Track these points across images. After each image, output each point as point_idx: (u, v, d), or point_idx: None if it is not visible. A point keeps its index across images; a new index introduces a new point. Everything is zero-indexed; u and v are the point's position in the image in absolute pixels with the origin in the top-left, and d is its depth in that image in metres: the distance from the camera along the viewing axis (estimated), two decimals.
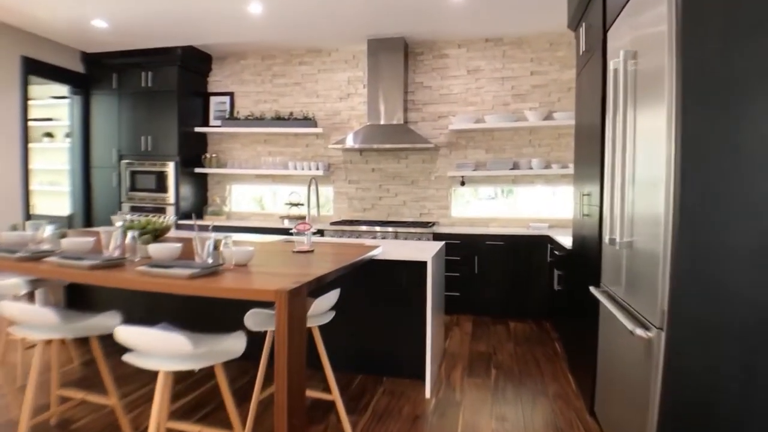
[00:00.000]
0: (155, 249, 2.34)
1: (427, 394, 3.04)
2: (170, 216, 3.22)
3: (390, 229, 4.99)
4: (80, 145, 5.91)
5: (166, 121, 5.67)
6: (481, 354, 3.82)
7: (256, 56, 5.97)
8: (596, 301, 2.47)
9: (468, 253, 4.88)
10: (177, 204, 5.67)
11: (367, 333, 3.31)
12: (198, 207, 6.00)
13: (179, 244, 2.40)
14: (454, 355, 3.79)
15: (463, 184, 5.41)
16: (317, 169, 5.60)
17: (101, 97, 5.90)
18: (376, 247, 3.14)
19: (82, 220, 5.93)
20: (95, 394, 2.49)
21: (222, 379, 2.04)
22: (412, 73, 5.54)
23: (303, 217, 5.56)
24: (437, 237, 4.88)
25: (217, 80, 6.13)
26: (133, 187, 5.80)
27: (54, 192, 6.25)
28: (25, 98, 5.18)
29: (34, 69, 5.26)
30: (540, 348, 3.99)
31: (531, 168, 5.11)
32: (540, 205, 5.36)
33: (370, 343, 3.31)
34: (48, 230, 2.51)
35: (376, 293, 3.26)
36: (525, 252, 4.78)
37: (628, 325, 1.83)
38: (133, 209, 5.78)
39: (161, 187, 5.68)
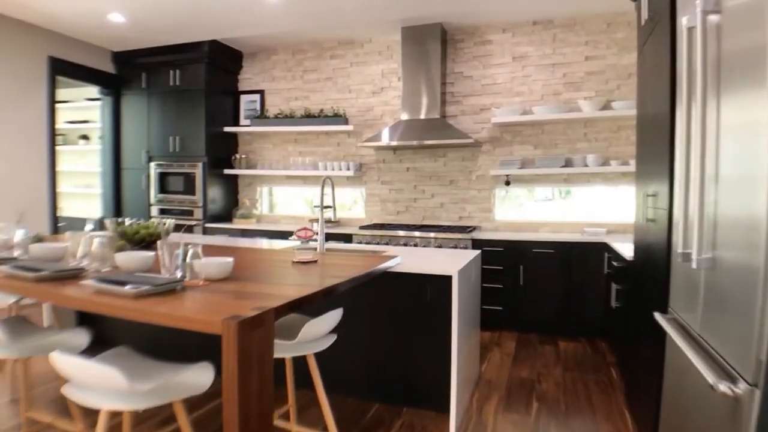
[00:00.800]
0: (122, 258, 2.01)
1: (452, 431, 2.56)
2: (170, 220, 2.91)
3: (424, 234, 4.52)
4: (111, 146, 5.83)
5: (194, 121, 5.47)
6: (522, 381, 3.28)
7: (286, 51, 5.68)
8: (662, 331, 1.91)
9: (512, 262, 4.33)
10: (205, 206, 5.46)
11: (386, 355, 2.86)
12: (228, 210, 5.78)
13: (151, 253, 2.06)
14: (491, 382, 3.28)
15: (507, 183, 4.86)
16: (347, 169, 5.22)
17: (131, 97, 5.81)
18: (392, 257, 2.69)
19: None
20: (64, 418, 2.21)
21: (183, 421, 1.66)
22: (451, 62, 5.05)
23: (334, 221, 5.19)
24: (477, 244, 4.37)
25: (247, 78, 5.89)
26: (162, 189, 5.65)
27: (88, 194, 6.23)
28: (52, 99, 5.13)
29: (62, 69, 5.20)
30: (593, 375, 3.40)
31: (586, 165, 4.49)
32: (597, 208, 4.72)
33: (388, 368, 2.87)
34: (19, 234, 2.25)
35: (395, 310, 2.81)
36: (578, 261, 4.17)
37: (708, 376, 1.30)
38: (162, 212, 5.63)
39: (189, 189, 5.50)
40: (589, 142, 4.63)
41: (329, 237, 4.87)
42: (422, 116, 4.88)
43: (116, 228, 2.64)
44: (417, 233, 4.54)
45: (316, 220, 5.17)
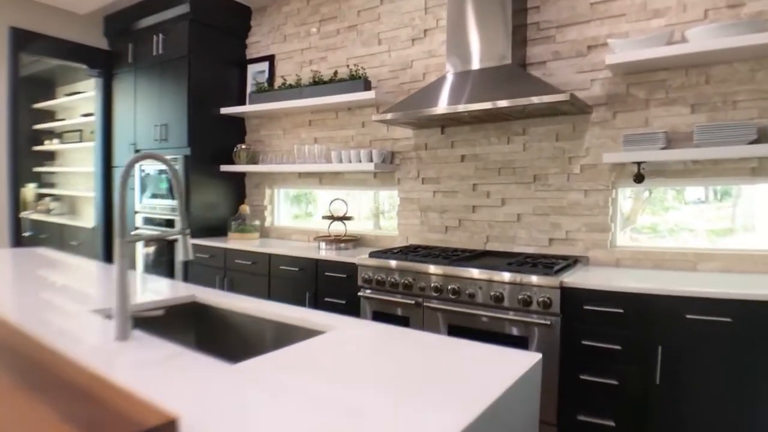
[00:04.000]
0: None
1: None
2: None
3: (473, 274, 2.48)
4: (101, 139, 4.68)
5: (176, 102, 4.05)
6: None
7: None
8: None
9: (642, 337, 2.11)
10: (186, 215, 3.99)
11: None
12: (227, 219, 4.26)
13: None
14: None
15: (639, 179, 2.60)
16: (369, 160, 3.35)
17: (120, 76, 4.60)
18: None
19: (103, 234, 4.69)
20: None
21: None
22: None
23: (348, 239, 3.39)
24: (571, 298, 2.24)
25: (256, 41, 4.33)
26: (144, 192, 4.33)
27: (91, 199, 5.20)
28: (14, 83, 4.05)
29: (29, 44, 4.11)
30: None
31: None
32: None
33: None
34: None
35: None
36: None
37: None
38: (147, 221, 4.31)
39: (173, 191, 4.09)
40: None
41: (325, 268, 3.09)
42: (483, 64, 2.84)
43: None
44: (460, 271, 2.52)
45: (324, 239, 3.40)
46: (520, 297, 2.33)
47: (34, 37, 4.19)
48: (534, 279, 2.31)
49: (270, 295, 3.38)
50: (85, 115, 5.28)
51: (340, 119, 3.77)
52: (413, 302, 2.65)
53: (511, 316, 2.35)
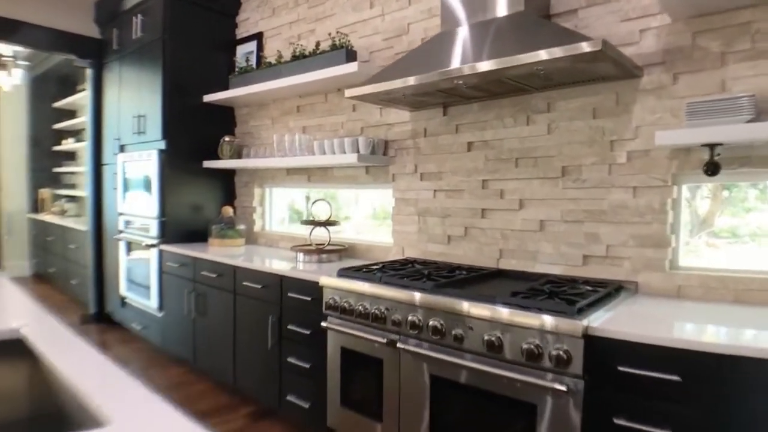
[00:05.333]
0: None
1: None
2: None
3: (472, 309, 1.75)
4: (92, 134, 4.32)
5: (152, 89, 3.57)
6: None
7: None
8: None
9: (710, 417, 1.31)
10: (160, 218, 3.50)
11: None
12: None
13: None
14: None
15: (712, 170, 1.74)
16: (354, 149, 2.68)
17: (108, 65, 4.21)
18: None
19: (93, 236, 4.32)
20: None
21: None
22: None
23: (332, 249, 2.76)
24: (601, 349, 1.46)
25: (245, 19, 3.77)
26: (126, 192, 3.89)
27: None
28: None
29: (10, 33, 3.78)
30: None
31: None
32: None
33: None
34: None
35: None
36: None
37: None
38: (128, 224, 3.87)
39: (151, 191, 3.61)
40: None
41: (290, 286, 2.48)
42: (485, 15, 2.09)
43: None
44: (442, 301, 1.79)
45: (301, 248, 2.80)
46: (524, 346, 1.58)
47: (17, 25, 3.85)
48: (546, 321, 1.55)
49: (235, 317, 2.80)
50: None
51: (330, 103, 3.12)
52: (384, 341, 1.95)
53: (511, 373, 1.60)
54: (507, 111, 2.32)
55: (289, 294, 2.43)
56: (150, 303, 3.57)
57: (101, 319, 4.30)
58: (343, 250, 2.87)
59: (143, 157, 3.61)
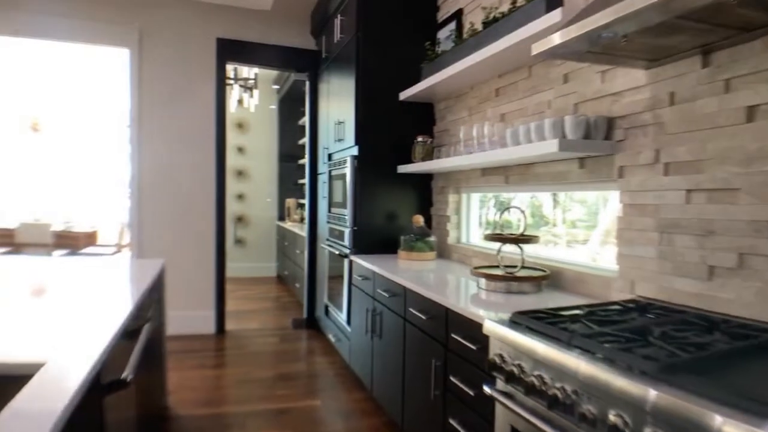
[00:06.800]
0: None
1: None
2: None
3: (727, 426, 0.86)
4: (309, 147, 4.43)
5: (348, 91, 3.36)
6: None
7: None
8: None
9: None
10: (353, 227, 3.24)
11: None
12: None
13: None
14: None
15: None
16: (560, 135, 1.87)
17: (321, 75, 4.24)
18: None
19: (309, 245, 4.41)
20: None
21: None
22: None
23: (527, 276, 2.05)
24: None
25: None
26: (330, 200, 3.81)
27: None
28: (221, 93, 4.12)
29: (233, 52, 4.14)
30: None
31: None
32: None
33: None
34: None
35: None
36: None
37: None
38: (332, 233, 3.78)
39: (344, 199, 3.42)
40: None
41: (455, 324, 1.86)
42: None
43: None
44: (690, 411, 0.92)
45: (496, 272, 2.17)
46: None
47: (240, 45, 4.16)
48: None
49: (404, 348, 2.29)
50: None
51: (534, 78, 2.36)
52: None
53: None
54: None
55: (453, 335, 1.79)
56: (342, 316, 3.38)
57: (311, 325, 4.36)
58: (543, 278, 2.07)
59: (342, 165, 3.44)
